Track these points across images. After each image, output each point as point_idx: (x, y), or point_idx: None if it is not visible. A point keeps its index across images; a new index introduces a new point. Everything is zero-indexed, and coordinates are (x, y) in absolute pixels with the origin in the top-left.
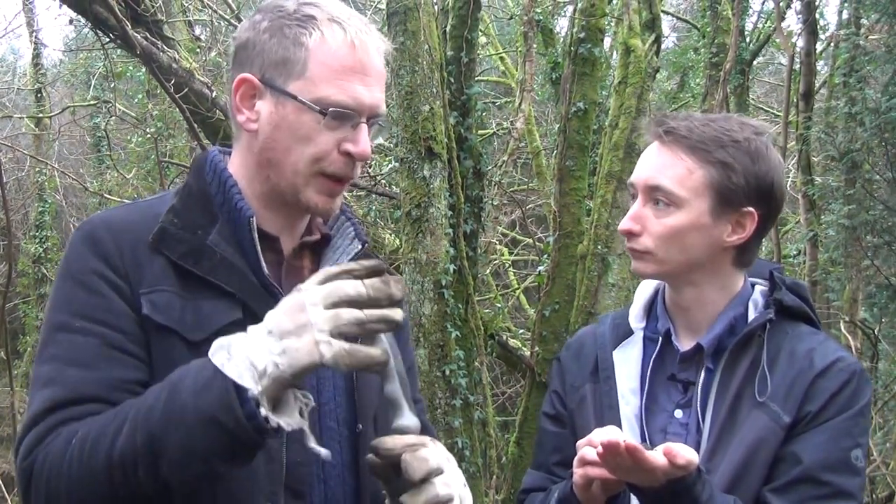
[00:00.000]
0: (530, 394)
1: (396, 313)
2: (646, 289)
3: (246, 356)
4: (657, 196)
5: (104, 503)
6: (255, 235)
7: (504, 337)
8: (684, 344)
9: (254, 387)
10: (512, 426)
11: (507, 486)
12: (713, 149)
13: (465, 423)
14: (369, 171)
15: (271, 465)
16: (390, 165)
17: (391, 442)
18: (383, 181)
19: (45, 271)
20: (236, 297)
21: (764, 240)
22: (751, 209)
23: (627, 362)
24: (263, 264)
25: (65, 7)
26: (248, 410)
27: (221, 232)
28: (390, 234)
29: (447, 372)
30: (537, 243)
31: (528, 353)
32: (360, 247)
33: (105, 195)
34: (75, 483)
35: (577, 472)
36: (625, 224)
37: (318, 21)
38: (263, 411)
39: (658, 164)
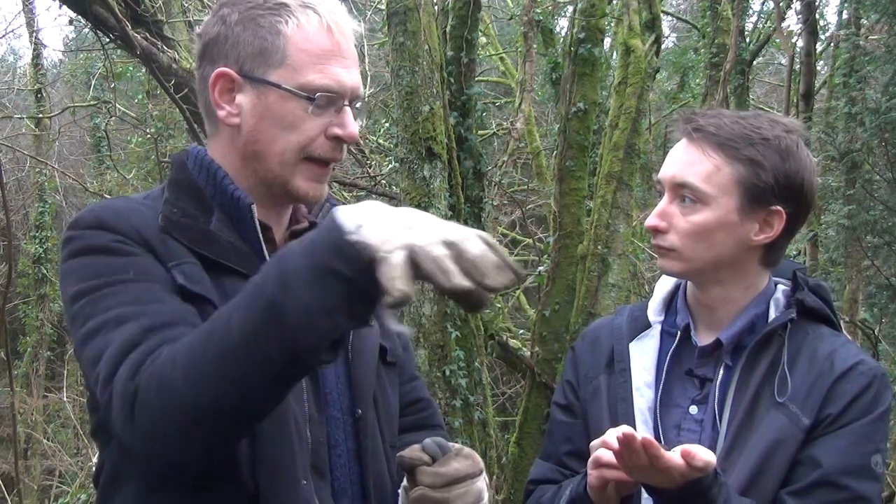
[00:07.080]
0: (530, 394)
1: None
2: (666, 283)
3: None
4: (684, 193)
5: (230, 387)
6: (257, 222)
7: (504, 337)
8: (703, 339)
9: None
10: (512, 426)
11: (508, 486)
12: (742, 146)
13: (465, 423)
14: (369, 171)
15: (301, 444)
16: (390, 166)
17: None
18: (383, 181)
19: (45, 271)
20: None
21: None
22: (779, 208)
23: (644, 355)
24: (265, 250)
25: (65, 7)
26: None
27: (221, 220)
28: None
29: (447, 372)
30: (537, 243)
31: (528, 354)
32: None
33: (105, 195)
34: (192, 377)
35: (593, 473)
36: (651, 220)
37: (291, 8)
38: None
39: (685, 160)
